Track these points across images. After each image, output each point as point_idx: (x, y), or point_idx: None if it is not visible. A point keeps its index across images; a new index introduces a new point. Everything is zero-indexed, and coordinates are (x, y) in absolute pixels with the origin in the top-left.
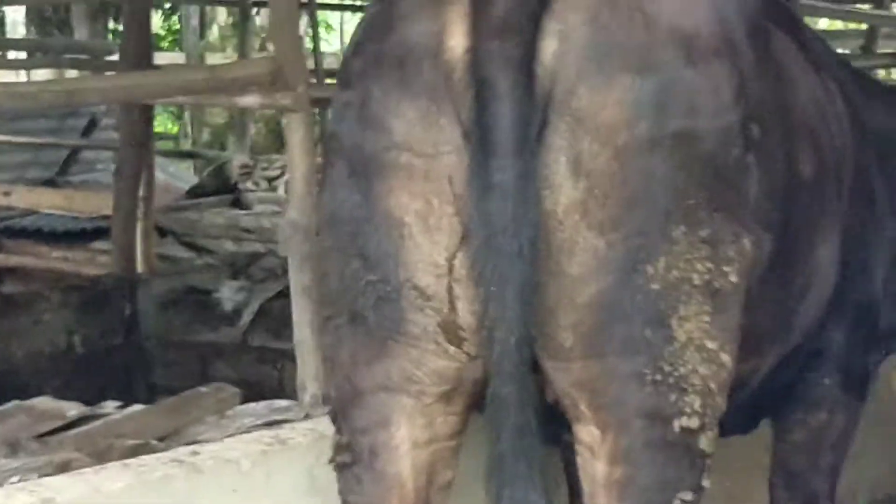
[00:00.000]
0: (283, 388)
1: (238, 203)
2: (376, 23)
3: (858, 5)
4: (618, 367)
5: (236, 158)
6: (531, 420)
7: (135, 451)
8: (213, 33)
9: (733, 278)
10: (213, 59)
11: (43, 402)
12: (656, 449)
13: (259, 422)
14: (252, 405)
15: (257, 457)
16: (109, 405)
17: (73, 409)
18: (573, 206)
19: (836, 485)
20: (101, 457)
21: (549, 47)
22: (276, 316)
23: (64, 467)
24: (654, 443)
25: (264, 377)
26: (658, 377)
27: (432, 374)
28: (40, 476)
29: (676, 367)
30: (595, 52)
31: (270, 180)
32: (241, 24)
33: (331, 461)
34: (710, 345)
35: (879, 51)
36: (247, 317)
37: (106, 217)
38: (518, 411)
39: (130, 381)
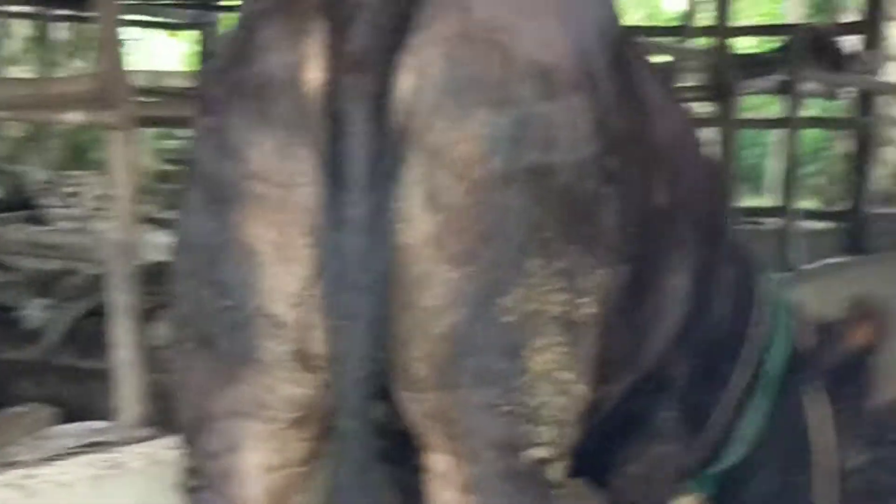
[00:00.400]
0: (91, 408)
1: (38, 219)
2: (236, 51)
3: (662, 38)
4: (471, 398)
5: (36, 174)
6: (373, 455)
7: None
8: (11, 46)
9: (589, 310)
10: (11, 72)
11: None
12: (508, 479)
13: (78, 443)
14: (69, 426)
15: (92, 481)
16: None
17: None
18: (428, 240)
19: None
20: None
21: (404, 82)
22: (84, 335)
23: None
24: (506, 473)
25: (71, 397)
26: (511, 408)
27: (284, 401)
28: None
29: (530, 398)
30: (451, 86)
31: (71, 196)
32: (42, 38)
33: (180, 485)
34: (565, 376)
35: (682, 84)
36: (53, 335)
37: None
38: (360, 445)
39: None
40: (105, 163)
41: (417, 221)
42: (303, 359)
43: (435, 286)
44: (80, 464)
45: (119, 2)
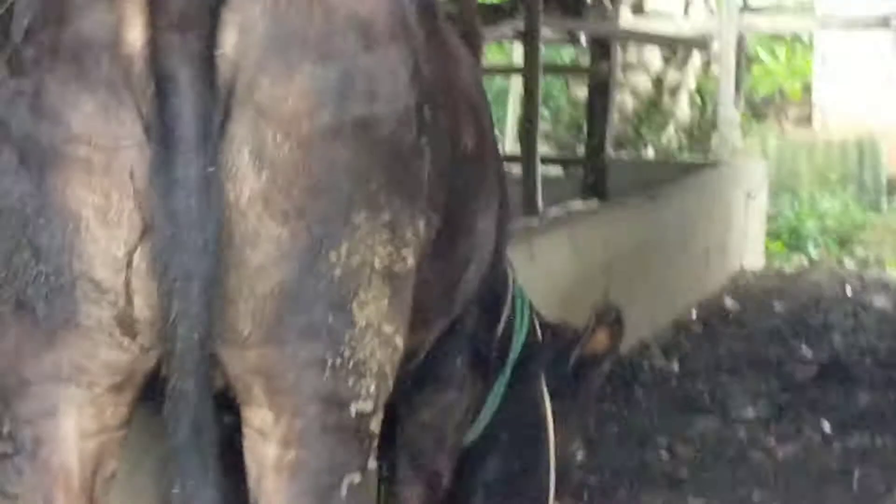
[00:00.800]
0: None
1: None
2: (49, 11)
3: None
4: (298, 353)
5: None
6: (208, 414)
7: None
8: None
9: (409, 261)
10: None
11: None
12: (331, 432)
13: None
14: None
15: None
16: None
17: None
18: (256, 197)
19: (454, 463)
20: None
21: (229, 39)
22: None
23: None
24: (329, 426)
25: None
26: (338, 362)
27: (104, 366)
28: None
29: (355, 351)
30: (275, 42)
31: None
32: None
33: None
34: (387, 328)
35: None
36: None
37: None
38: (197, 406)
39: None
40: None
41: (245, 179)
42: (125, 323)
43: (263, 243)
44: None
45: None
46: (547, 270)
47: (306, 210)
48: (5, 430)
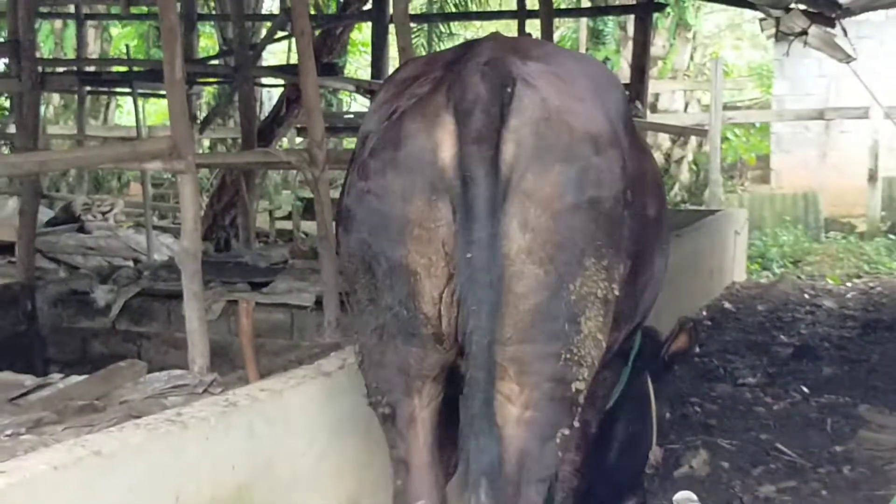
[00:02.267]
0: (142, 358)
1: (82, 229)
2: (388, 138)
3: None
4: (542, 349)
5: (78, 198)
6: (492, 392)
7: (83, 409)
8: (49, 110)
9: (616, 292)
10: (52, 129)
11: (4, 375)
12: (556, 401)
13: (165, 386)
14: (156, 374)
15: (219, 415)
16: (55, 376)
17: (28, 380)
18: (522, 250)
19: (599, 417)
20: (60, 414)
21: (508, 150)
22: (135, 309)
23: (38, 423)
24: (555, 397)
25: (128, 352)
26: (568, 356)
27: (429, 363)
28: (25, 429)
29: (580, 350)
30: (537, 150)
31: (104, 213)
32: (79, 106)
33: (367, 402)
34: (599, 335)
35: None
36: (115, 310)
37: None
38: (486, 388)
39: (31, 357)
40: (117, 189)
41: (516, 238)
42: (438, 337)
43: (526, 279)
44: (209, 404)
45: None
46: None
47: (555, 258)
48: (384, 399)
